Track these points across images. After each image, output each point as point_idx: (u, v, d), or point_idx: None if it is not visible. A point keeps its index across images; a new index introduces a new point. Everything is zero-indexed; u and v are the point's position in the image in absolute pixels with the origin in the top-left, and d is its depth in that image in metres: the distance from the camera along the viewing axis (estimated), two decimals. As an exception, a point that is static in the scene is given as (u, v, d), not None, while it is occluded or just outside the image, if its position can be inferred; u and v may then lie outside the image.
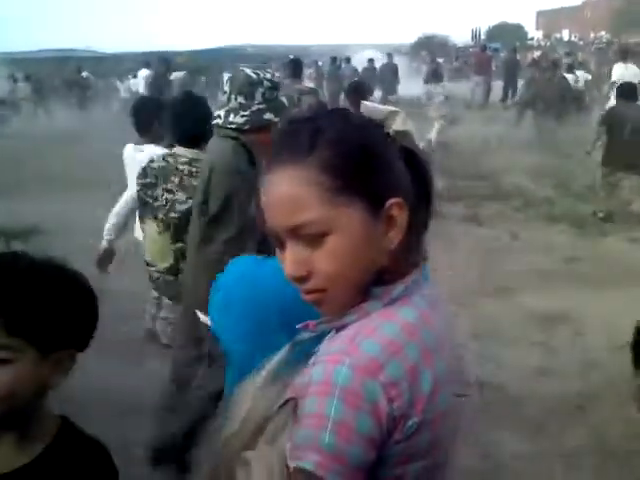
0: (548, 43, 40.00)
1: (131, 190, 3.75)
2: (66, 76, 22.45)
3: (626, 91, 6.86)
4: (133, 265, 5.17)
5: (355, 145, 0.82)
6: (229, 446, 0.85)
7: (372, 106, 0.84)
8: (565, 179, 7.96)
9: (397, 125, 0.90)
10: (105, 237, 3.67)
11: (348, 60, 18.32)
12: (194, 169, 2.72)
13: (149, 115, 3.70)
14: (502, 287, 4.86)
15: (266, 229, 0.85)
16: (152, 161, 2.98)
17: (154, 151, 3.62)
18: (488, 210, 6.99)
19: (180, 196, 2.75)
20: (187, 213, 2.63)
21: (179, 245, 2.76)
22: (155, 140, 3.70)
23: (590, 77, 14.52)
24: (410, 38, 31.71)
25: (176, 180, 2.78)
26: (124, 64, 27.53)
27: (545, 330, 4.14)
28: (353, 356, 0.76)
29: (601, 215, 6.40)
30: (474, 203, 7.21)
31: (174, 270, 2.85)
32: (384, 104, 17.13)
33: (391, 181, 0.83)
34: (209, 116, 2.62)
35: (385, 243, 0.83)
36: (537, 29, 52.80)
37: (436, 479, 0.88)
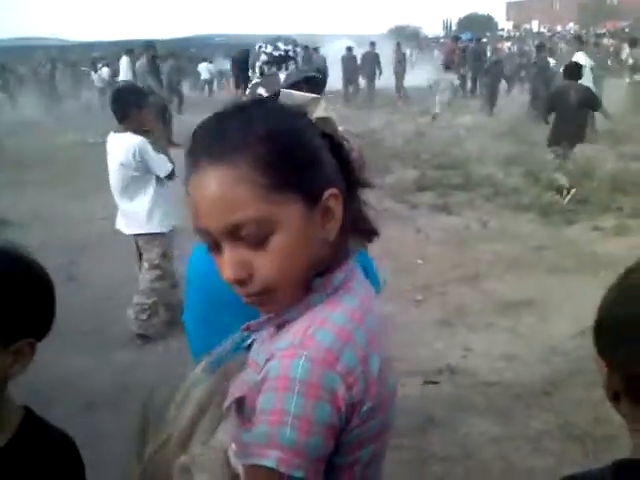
0: (518, 34, 40.38)
1: (112, 180, 3.72)
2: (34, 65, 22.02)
3: (569, 71, 7.28)
4: (108, 255, 5.14)
5: (287, 139, 0.79)
6: (165, 447, 0.84)
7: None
8: (533, 168, 8.07)
9: (318, 112, 0.87)
10: None
11: (316, 50, 18.18)
12: None
13: (128, 103, 3.75)
14: (471, 275, 4.92)
15: (195, 230, 0.81)
16: None
17: (133, 140, 3.61)
18: (458, 199, 7.06)
19: None
20: None
21: None
22: (135, 129, 3.68)
23: (555, 62, 14.78)
24: (382, 29, 31.74)
25: None
26: (93, 53, 27.02)
27: (513, 316, 4.20)
28: (309, 348, 0.75)
29: (567, 195, 6.55)
30: (444, 192, 7.27)
31: None
32: (369, 93, 17.19)
33: (324, 172, 0.82)
34: None
35: (324, 235, 0.82)
36: (507, 20, 53.23)
37: (381, 463, 0.89)
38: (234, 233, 0.78)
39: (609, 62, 17.34)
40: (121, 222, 3.95)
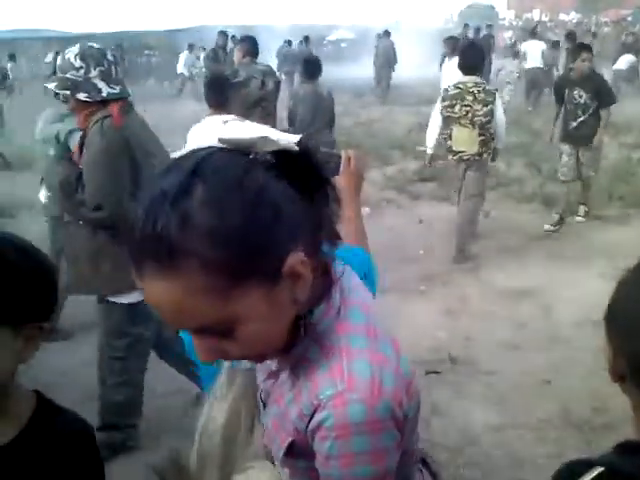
0: (520, 23, 40.15)
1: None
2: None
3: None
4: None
5: (232, 227, 0.69)
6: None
7: (230, 140, 0.67)
8: (536, 158, 8.07)
9: (270, 146, 0.77)
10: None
11: (307, 39, 17.58)
12: (479, 88, 4.74)
13: (221, 91, 3.89)
14: (473, 264, 4.94)
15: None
16: (447, 90, 4.93)
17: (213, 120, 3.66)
18: (460, 189, 7.05)
19: (477, 107, 4.72)
20: (486, 115, 4.74)
21: (481, 137, 4.79)
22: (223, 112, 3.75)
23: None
24: (383, 22, 31.59)
25: (470, 98, 4.74)
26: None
27: (514, 306, 4.23)
28: (355, 390, 0.76)
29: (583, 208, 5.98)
30: (447, 183, 7.27)
31: (479, 153, 4.85)
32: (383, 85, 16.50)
33: (284, 238, 0.73)
34: None
35: (295, 297, 0.76)
36: (508, 9, 52.91)
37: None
38: (197, 331, 0.75)
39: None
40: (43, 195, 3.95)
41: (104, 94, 2.47)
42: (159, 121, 4.67)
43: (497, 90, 5.07)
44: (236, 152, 0.75)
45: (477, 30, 17.89)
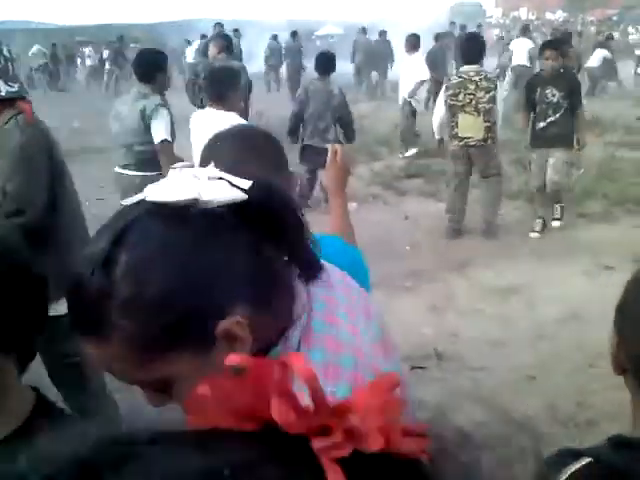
0: (507, 21, 40.33)
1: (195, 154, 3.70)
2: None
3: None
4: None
5: (155, 299, 0.67)
6: None
7: (167, 191, 0.71)
8: (521, 155, 8.10)
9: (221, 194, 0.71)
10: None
11: (294, 34, 17.37)
12: (480, 76, 5.02)
13: (224, 84, 3.87)
14: (459, 261, 4.96)
15: None
16: (450, 80, 5.23)
17: (229, 118, 3.57)
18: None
19: (480, 94, 5.00)
20: (489, 102, 5.04)
21: (486, 124, 5.08)
22: (227, 109, 3.75)
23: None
24: (370, 17, 31.57)
25: (472, 86, 4.98)
26: (77, 37, 26.71)
27: (500, 302, 4.25)
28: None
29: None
30: (432, 179, 7.29)
31: (484, 139, 5.11)
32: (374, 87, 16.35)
33: (216, 301, 0.70)
34: None
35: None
36: (496, 7, 53.15)
37: None
38: (135, 384, 0.74)
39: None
40: None
41: (3, 93, 2.31)
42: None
43: (498, 78, 5.26)
44: (173, 208, 0.70)
45: (463, 28, 17.94)
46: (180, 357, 0.70)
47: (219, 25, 11.10)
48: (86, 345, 0.70)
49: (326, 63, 5.84)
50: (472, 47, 5.28)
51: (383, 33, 16.59)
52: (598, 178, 6.87)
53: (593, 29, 24.91)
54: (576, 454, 0.87)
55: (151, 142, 3.82)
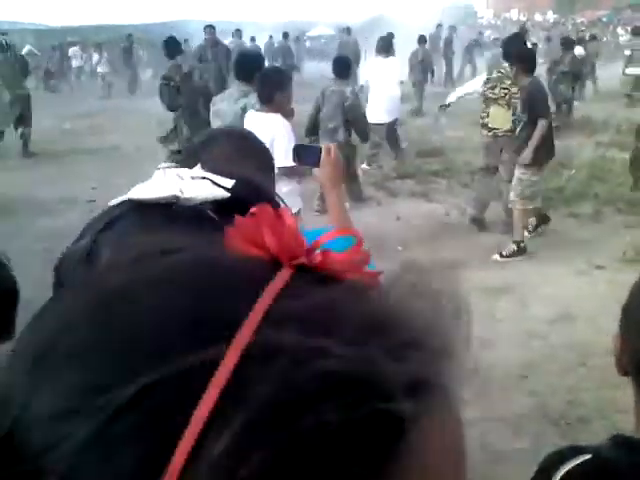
0: (498, 22, 40.50)
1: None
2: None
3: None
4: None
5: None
6: None
7: (148, 189, 0.74)
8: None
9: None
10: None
11: (286, 35, 17.40)
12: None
13: (274, 85, 3.82)
14: (450, 261, 4.97)
15: None
16: (491, 74, 5.74)
17: (280, 122, 3.70)
18: (438, 186, 7.11)
19: (514, 89, 5.32)
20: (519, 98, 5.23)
21: (514, 117, 5.30)
22: (275, 111, 3.74)
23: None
24: (360, 17, 31.56)
25: (508, 81, 5.40)
26: (68, 37, 26.59)
27: (491, 302, 4.26)
28: None
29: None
30: (424, 179, 7.32)
31: (511, 130, 5.32)
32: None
33: None
34: None
35: None
36: (487, 8, 53.35)
37: None
38: None
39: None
40: None
41: None
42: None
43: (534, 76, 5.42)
44: (154, 206, 0.71)
45: (452, 29, 18.05)
46: None
47: (210, 27, 10.94)
48: None
49: (341, 67, 6.12)
50: (513, 46, 5.59)
51: (348, 31, 16.45)
52: (589, 178, 6.92)
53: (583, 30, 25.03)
54: (578, 450, 0.88)
55: None
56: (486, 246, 5.26)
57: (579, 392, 3.16)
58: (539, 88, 5.23)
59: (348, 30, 16.58)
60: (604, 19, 34.06)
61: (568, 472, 0.85)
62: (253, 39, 17.31)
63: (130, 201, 0.73)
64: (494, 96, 5.49)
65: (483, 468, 2.66)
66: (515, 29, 17.62)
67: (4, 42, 9.35)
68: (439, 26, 18.71)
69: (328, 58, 17.12)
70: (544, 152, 4.98)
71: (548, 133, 5.01)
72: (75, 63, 22.48)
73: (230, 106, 4.33)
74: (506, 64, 5.50)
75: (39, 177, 7.73)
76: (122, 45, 19.01)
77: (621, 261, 4.86)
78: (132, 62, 18.24)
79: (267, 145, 3.66)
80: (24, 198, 6.72)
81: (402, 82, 8.41)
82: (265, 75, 4.04)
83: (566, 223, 5.78)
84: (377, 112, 7.29)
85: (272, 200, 0.78)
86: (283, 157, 3.65)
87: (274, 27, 22.26)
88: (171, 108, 5.91)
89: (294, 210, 3.79)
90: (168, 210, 0.71)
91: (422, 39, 13.16)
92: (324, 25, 35.15)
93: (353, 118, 5.92)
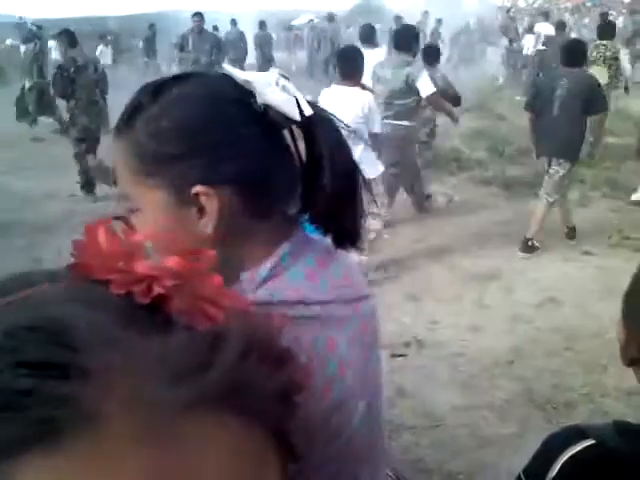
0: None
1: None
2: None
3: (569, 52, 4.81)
4: (76, 235, 5.02)
5: (166, 127, 0.76)
6: None
7: (233, 72, 0.80)
8: (499, 142, 8.17)
9: (270, 94, 0.78)
10: None
11: (262, 24, 16.37)
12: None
13: (358, 62, 4.26)
14: (437, 248, 4.99)
15: None
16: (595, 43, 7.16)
17: (364, 94, 4.15)
18: (424, 173, 7.09)
19: (608, 53, 6.74)
20: (611, 59, 7.19)
21: (609, 73, 7.26)
22: (355, 85, 4.17)
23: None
24: (346, 5, 31.27)
25: (603, 48, 7.24)
26: (50, 31, 26.14)
27: (478, 289, 4.28)
28: None
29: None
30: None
31: (607, 84, 5.74)
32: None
33: (204, 168, 0.77)
34: None
35: (199, 229, 0.78)
36: (471, -7, 53.15)
37: None
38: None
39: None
40: None
41: None
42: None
43: (620, 48, 7.65)
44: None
45: (439, 21, 17.87)
46: (157, 191, 0.77)
47: (197, 15, 10.61)
48: (113, 141, 0.81)
49: (367, 34, 6.30)
50: (607, 24, 7.83)
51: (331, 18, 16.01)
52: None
53: (567, 15, 25.01)
54: (580, 434, 0.88)
55: (410, 100, 4.90)
56: (472, 232, 5.27)
57: (565, 376, 3.18)
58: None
59: (331, 17, 16.04)
60: (588, 4, 34.08)
61: (572, 457, 0.85)
62: (216, 28, 16.71)
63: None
64: (592, 59, 6.88)
65: (470, 453, 2.69)
66: (500, 16, 17.57)
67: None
68: (425, 13, 18.61)
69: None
70: None
71: None
72: (55, 55, 22.00)
73: (394, 73, 4.91)
74: (604, 41, 7.32)
75: None
76: (144, 35, 17.94)
77: (607, 246, 4.90)
78: (150, 51, 17.31)
79: (360, 115, 4.06)
80: None
81: None
82: (354, 52, 4.39)
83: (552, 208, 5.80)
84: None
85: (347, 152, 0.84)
86: (377, 126, 4.19)
87: (256, 16, 21.96)
88: (62, 96, 6.23)
89: (376, 175, 4.21)
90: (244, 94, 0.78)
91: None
92: (309, 13, 34.89)
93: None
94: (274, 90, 0.77)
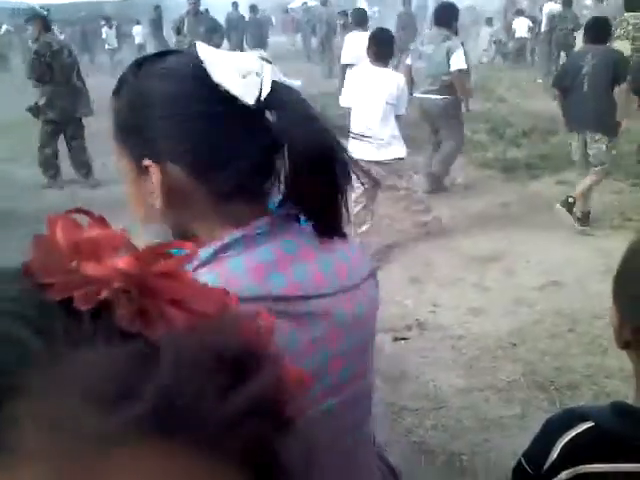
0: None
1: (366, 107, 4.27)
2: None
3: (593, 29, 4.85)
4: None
5: (132, 100, 0.81)
6: None
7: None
8: (499, 124, 8.12)
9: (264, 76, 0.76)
10: None
11: (254, 8, 16.06)
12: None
13: (392, 45, 4.46)
14: (438, 231, 4.97)
15: None
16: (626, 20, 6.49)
17: (397, 76, 4.46)
18: (424, 156, 7.06)
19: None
20: (637, 31, 6.33)
21: (633, 46, 6.25)
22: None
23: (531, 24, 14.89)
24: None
25: (633, 22, 6.32)
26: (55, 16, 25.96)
27: (479, 271, 4.28)
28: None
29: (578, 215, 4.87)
30: (410, 149, 7.26)
31: (630, 56, 5.54)
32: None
33: (153, 143, 0.78)
34: None
35: (150, 200, 0.80)
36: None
37: None
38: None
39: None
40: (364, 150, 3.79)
41: None
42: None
43: None
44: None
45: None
46: (125, 156, 0.82)
47: None
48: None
49: (444, 15, 6.20)
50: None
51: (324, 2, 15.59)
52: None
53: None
54: (579, 416, 0.88)
55: (451, 74, 5.12)
56: (472, 215, 5.26)
57: (568, 358, 3.19)
58: None
59: (324, 2, 15.52)
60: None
61: (571, 439, 0.85)
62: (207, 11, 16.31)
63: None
64: (616, 34, 6.31)
65: (473, 435, 2.70)
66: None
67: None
68: None
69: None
70: None
71: None
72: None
73: (435, 49, 5.17)
74: (632, 14, 6.55)
75: None
76: (150, 18, 17.59)
77: (609, 228, 4.88)
78: (160, 34, 16.91)
79: (394, 94, 4.25)
80: None
81: None
82: (387, 35, 4.52)
83: (553, 190, 5.78)
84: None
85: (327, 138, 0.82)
86: (403, 109, 4.49)
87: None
88: (39, 80, 6.27)
89: (403, 155, 4.61)
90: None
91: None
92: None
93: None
94: (227, 71, 0.75)
